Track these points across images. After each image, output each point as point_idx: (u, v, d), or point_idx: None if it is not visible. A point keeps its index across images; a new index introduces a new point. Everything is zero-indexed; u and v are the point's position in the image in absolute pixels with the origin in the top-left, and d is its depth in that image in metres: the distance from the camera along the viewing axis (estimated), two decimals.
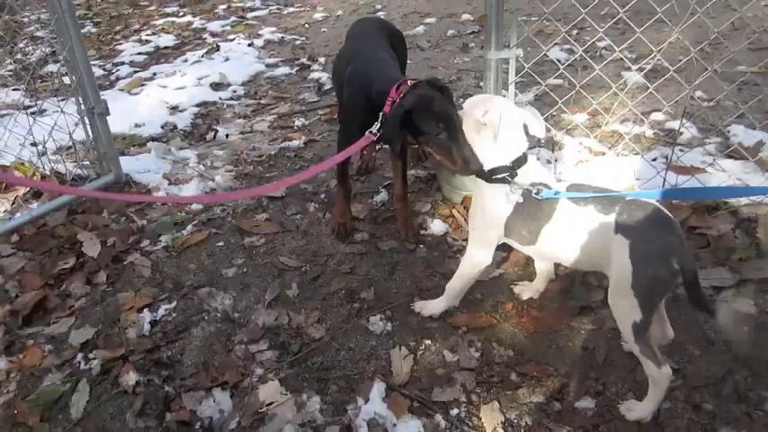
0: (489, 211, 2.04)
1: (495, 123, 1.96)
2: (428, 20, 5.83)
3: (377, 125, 2.22)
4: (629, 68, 3.89)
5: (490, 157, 2.01)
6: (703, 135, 3.25)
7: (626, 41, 2.99)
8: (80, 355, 2.29)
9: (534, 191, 1.93)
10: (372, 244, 2.76)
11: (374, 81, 2.35)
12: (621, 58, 4.20)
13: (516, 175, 1.97)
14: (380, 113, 2.22)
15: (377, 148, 3.00)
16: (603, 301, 2.29)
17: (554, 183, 1.98)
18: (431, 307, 2.30)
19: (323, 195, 3.15)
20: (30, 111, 3.68)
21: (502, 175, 1.98)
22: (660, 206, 1.77)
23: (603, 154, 3.03)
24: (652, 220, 1.73)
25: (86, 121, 3.15)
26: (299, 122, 3.96)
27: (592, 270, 2.12)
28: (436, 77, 2.38)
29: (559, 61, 3.43)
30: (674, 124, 3.32)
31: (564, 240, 1.92)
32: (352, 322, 2.34)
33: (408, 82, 2.24)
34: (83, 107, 3.11)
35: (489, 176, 2.00)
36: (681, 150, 3.03)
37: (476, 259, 2.15)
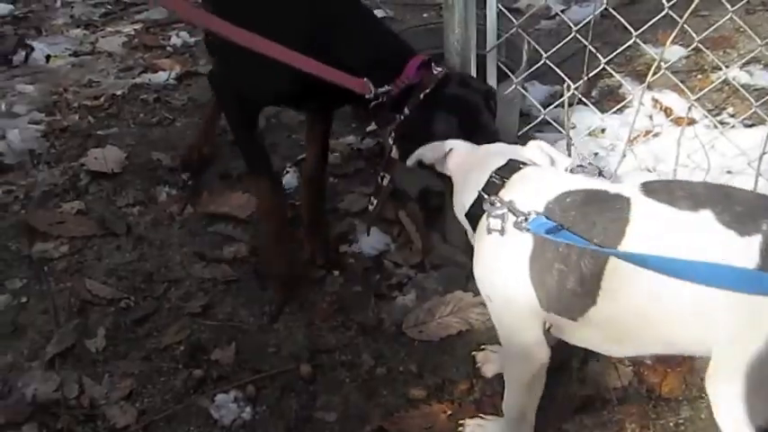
0: (495, 266, 2.06)
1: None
2: None
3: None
4: None
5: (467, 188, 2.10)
6: None
7: None
8: None
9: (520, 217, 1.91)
10: (251, 266, 2.88)
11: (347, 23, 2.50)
12: None
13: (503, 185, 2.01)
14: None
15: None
16: (629, 388, 2.39)
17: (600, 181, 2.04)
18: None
19: (186, 175, 3.29)
20: None
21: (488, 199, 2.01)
22: None
23: (691, 122, 3.08)
24: None
25: None
26: (177, 39, 4.10)
27: (699, 354, 2.07)
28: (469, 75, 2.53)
29: None
30: None
31: (651, 292, 1.86)
32: (185, 402, 2.45)
33: (433, 67, 2.40)
34: None
35: (474, 215, 2.08)
36: None
37: (515, 352, 2.16)
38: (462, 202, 2.11)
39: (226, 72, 2.66)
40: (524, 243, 1.93)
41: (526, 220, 1.88)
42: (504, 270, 2.01)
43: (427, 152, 2.18)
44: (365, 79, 2.33)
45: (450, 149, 2.15)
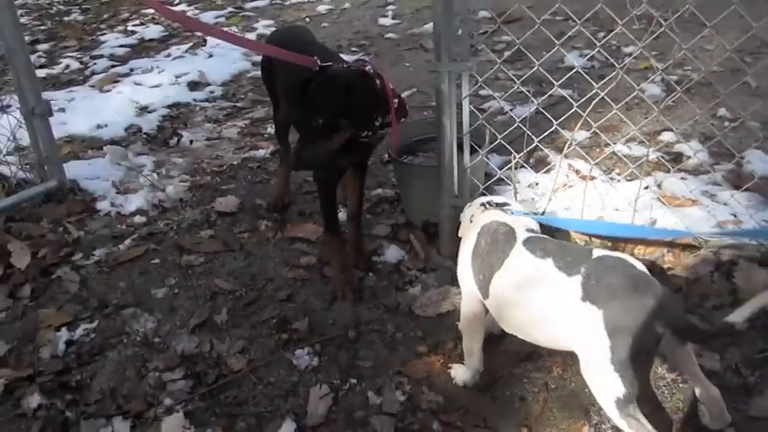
0: (464, 243, 2.20)
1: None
2: None
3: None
4: (659, 79, 3.96)
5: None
6: (714, 161, 3.29)
7: (661, 48, 3.00)
8: None
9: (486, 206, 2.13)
10: (318, 270, 2.90)
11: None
12: (647, 67, 4.27)
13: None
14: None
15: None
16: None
17: (518, 223, 2.08)
18: (459, 373, 2.30)
19: (276, 214, 3.31)
20: None
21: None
22: (633, 261, 1.81)
23: (592, 178, 3.10)
24: (626, 281, 1.75)
25: (31, 122, 3.39)
26: (272, 129, 4.09)
27: (556, 349, 2.11)
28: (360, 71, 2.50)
29: (571, 68, 3.54)
30: (684, 147, 3.37)
31: (515, 302, 1.95)
32: (276, 354, 2.49)
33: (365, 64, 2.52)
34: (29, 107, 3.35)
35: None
36: (683, 178, 3.09)
37: (464, 303, 2.22)
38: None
39: (324, 169, 2.64)
40: (475, 233, 2.11)
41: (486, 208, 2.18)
42: (467, 244, 2.15)
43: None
44: (315, 58, 2.43)
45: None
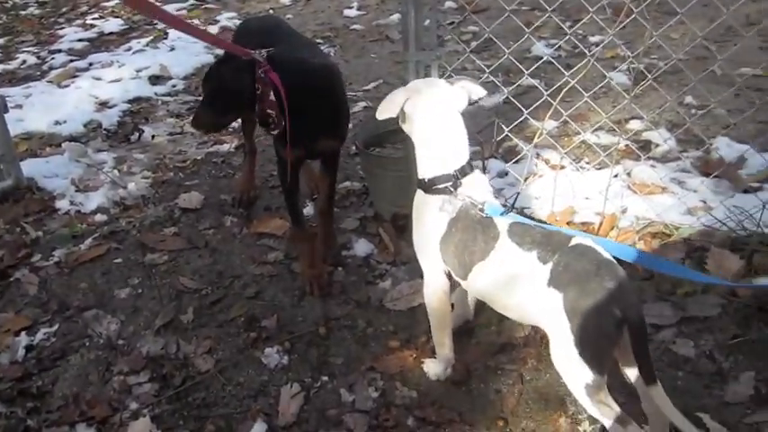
0: (423, 226, 2.09)
1: (412, 115, 2.04)
2: None
3: None
4: (626, 68, 3.96)
5: (427, 164, 2.04)
6: (682, 148, 3.30)
7: (627, 37, 2.99)
8: None
9: (478, 206, 1.94)
10: (286, 265, 2.85)
11: None
12: (613, 56, 4.28)
13: (460, 186, 1.98)
14: None
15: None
16: (529, 337, 2.37)
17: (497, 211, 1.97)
18: (432, 367, 2.27)
19: (241, 210, 3.25)
20: None
21: (442, 186, 1.99)
22: (600, 249, 1.79)
23: (562, 168, 3.09)
24: (588, 265, 1.74)
25: None
26: (235, 124, 4.01)
27: (533, 324, 2.12)
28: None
29: (539, 58, 3.54)
30: (653, 135, 3.37)
31: (498, 287, 1.93)
32: (245, 354, 2.43)
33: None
34: None
35: (427, 187, 2.04)
36: (652, 166, 3.09)
37: (428, 284, 2.15)
38: (422, 171, 2.06)
39: (280, 161, 2.64)
40: (445, 222, 2.00)
41: (482, 207, 1.94)
42: (433, 229, 2.04)
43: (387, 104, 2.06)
44: (253, 52, 2.42)
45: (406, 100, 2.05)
